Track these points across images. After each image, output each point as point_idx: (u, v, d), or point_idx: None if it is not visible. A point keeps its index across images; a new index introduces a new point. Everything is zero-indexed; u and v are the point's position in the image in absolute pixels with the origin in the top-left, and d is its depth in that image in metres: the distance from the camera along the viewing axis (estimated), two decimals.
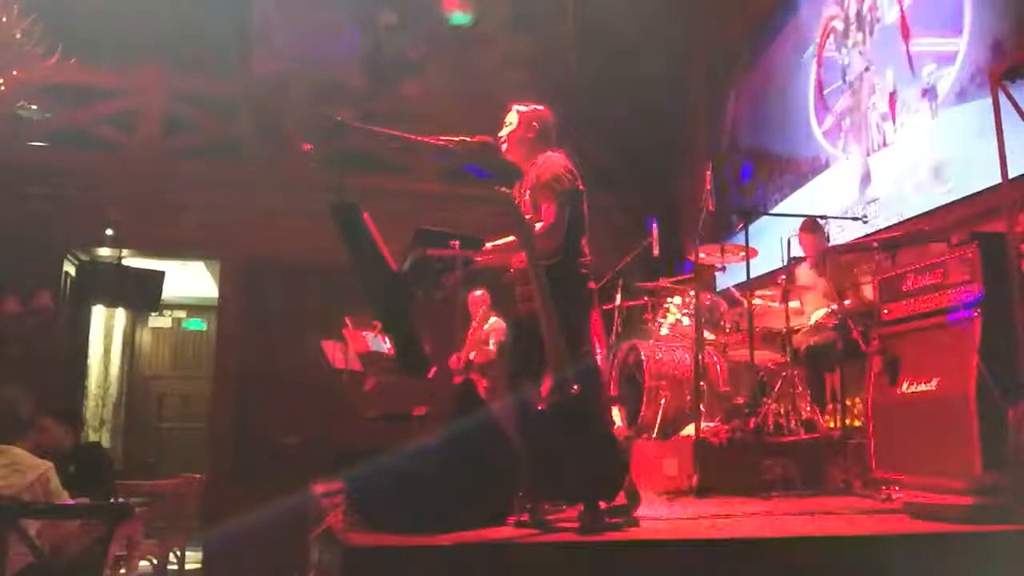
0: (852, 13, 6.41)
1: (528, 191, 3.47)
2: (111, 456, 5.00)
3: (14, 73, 6.35)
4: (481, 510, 2.65)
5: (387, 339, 5.47)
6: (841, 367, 4.42)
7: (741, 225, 5.04)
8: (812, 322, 5.13)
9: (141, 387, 10.48)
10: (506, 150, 3.61)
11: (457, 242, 3.29)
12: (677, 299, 5.52)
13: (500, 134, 3.61)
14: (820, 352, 5.03)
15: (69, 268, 8.30)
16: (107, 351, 9.61)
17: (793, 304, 5.15)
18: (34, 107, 7.31)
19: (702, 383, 4.70)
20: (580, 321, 3.28)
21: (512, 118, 3.60)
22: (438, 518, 2.48)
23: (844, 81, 6.47)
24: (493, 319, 6.33)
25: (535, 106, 3.65)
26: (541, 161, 3.49)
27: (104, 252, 8.48)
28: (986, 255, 3.15)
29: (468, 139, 3.61)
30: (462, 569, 2.24)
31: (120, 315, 9.93)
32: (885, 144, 5.94)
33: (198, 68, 8.77)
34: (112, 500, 4.33)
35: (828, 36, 6.73)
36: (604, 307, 5.74)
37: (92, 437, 8.45)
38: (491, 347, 6.21)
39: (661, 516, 3.17)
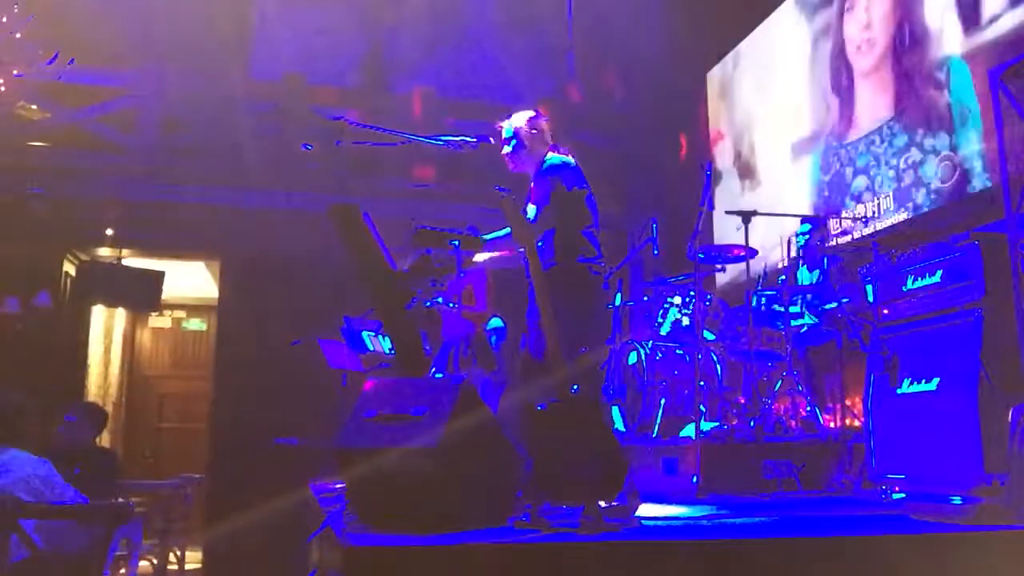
0: None
1: (529, 196, 3.51)
2: (120, 464, 5.00)
3: (14, 73, 6.35)
4: (481, 510, 2.65)
5: (387, 339, 5.47)
6: (841, 367, 4.42)
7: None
8: (812, 322, 5.14)
9: (141, 387, 10.48)
10: (513, 168, 3.64)
11: (457, 241, 3.30)
12: (677, 299, 5.52)
13: (503, 152, 3.63)
14: (820, 352, 5.04)
15: (69, 268, 8.30)
16: (107, 351, 9.61)
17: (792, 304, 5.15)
18: (34, 107, 7.31)
19: (702, 383, 4.71)
20: (580, 321, 3.29)
21: (508, 133, 3.62)
22: (438, 518, 2.48)
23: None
24: (494, 319, 6.33)
25: (524, 115, 3.66)
26: (544, 165, 3.52)
27: (104, 252, 8.47)
28: (986, 255, 3.15)
29: (468, 139, 3.62)
30: (462, 569, 2.24)
31: (120, 315, 9.93)
32: None
33: (198, 68, 8.76)
34: (112, 500, 4.32)
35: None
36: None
37: None
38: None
39: (661, 516, 3.17)
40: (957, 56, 5.31)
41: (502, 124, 3.66)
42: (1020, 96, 3.31)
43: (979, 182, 5.06)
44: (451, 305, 5.10)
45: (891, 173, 5.83)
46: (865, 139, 6.17)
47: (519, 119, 3.63)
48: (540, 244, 3.34)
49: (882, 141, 5.97)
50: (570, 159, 3.54)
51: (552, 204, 3.37)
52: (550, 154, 3.56)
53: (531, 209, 3.40)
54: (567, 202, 3.41)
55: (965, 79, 5.22)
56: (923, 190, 5.52)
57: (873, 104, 6.13)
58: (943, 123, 5.39)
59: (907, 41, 5.75)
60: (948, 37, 5.40)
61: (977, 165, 5.08)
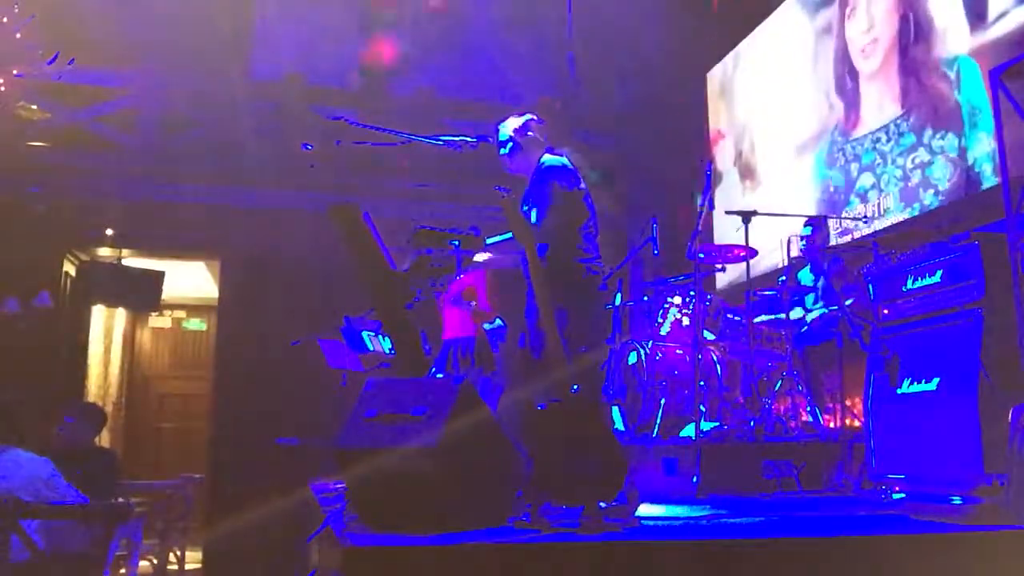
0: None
1: (528, 198, 3.53)
2: (120, 464, 5.01)
3: (14, 73, 6.35)
4: (481, 510, 2.65)
5: (387, 339, 5.48)
6: (841, 367, 4.42)
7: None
8: (811, 322, 5.14)
9: (141, 387, 10.48)
10: (509, 169, 3.68)
11: (457, 241, 3.30)
12: (677, 299, 5.52)
13: (500, 154, 3.67)
14: (820, 352, 5.04)
15: (69, 268, 8.30)
16: (107, 351, 9.61)
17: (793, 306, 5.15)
18: (34, 107, 7.31)
19: (702, 383, 4.70)
20: (581, 320, 3.29)
21: (505, 135, 3.66)
22: (438, 518, 2.48)
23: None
24: (495, 319, 6.33)
25: (522, 116, 3.71)
26: (541, 167, 3.55)
27: (104, 252, 8.47)
28: (986, 255, 3.15)
29: (468, 139, 3.64)
30: (462, 569, 2.24)
31: (120, 315, 9.93)
32: None
33: (198, 68, 8.76)
34: (112, 500, 4.32)
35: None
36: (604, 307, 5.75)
37: None
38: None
39: (661, 516, 3.16)
40: (965, 54, 5.25)
41: (499, 127, 3.69)
42: (1020, 96, 3.31)
43: (989, 183, 4.99)
44: (472, 304, 5.13)
45: (898, 172, 5.79)
46: (871, 136, 6.13)
47: (515, 122, 3.68)
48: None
49: (888, 139, 5.93)
50: (566, 160, 3.57)
51: (551, 205, 3.39)
52: (546, 156, 3.59)
53: (532, 213, 3.41)
54: (565, 203, 3.43)
55: (975, 78, 5.16)
56: (931, 191, 5.48)
57: (880, 104, 6.07)
58: (952, 123, 5.32)
59: (912, 38, 5.71)
60: (954, 34, 5.36)
61: (987, 167, 5.00)
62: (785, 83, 7.31)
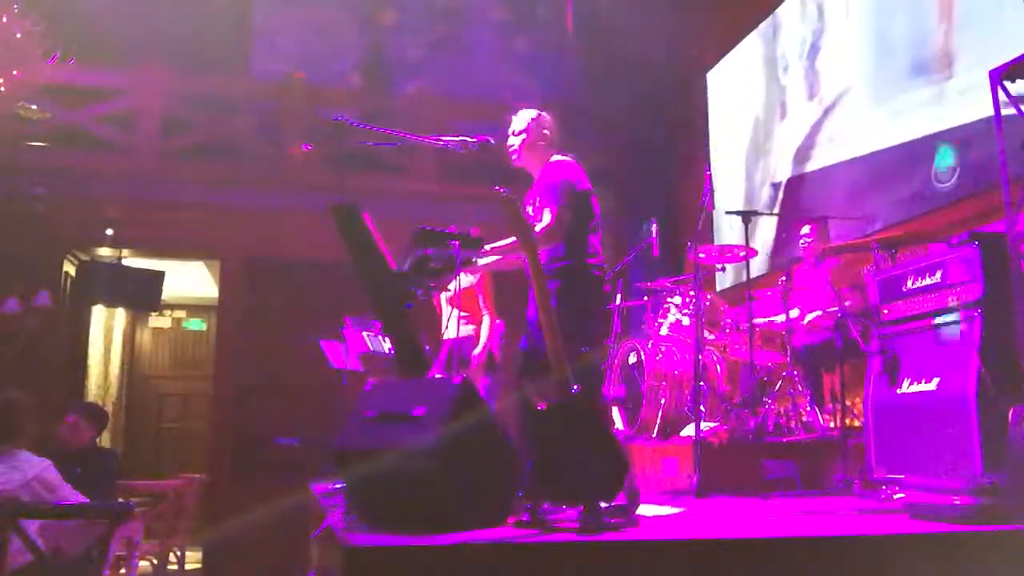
0: None
1: (537, 196, 3.51)
2: (121, 464, 5.02)
3: (14, 73, 6.35)
4: (481, 510, 2.65)
5: (387, 339, 5.47)
6: (841, 367, 4.41)
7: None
8: (811, 322, 5.14)
9: (141, 387, 10.49)
10: (517, 158, 3.65)
11: (457, 242, 3.29)
12: (677, 299, 5.52)
13: (511, 142, 3.64)
14: (820, 352, 5.03)
15: (69, 268, 8.31)
16: (107, 351, 9.62)
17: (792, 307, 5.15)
18: (34, 107, 7.31)
19: (702, 383, 4.70)
20: (583, 321, 3.29)
21: (521, 124, 3.62)
22: (438, 518, 2.48)
23: None
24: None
25: (537, 111, 3.68)
26: (552, 165, 3.52)
27: (104, 252, 8.48)
28: (986, 255, 3.15)
29: (468, 139, 3.63)
30: (462, 569, 2.24)
31: (120, 315, 9.94)
32: None
33: (198, 68, 8.77)
34: (112, 500, 4.33)
35: None
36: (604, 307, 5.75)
37: None
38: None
39: (661, 516, 3.16)
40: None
41: (515, 116, 3.66)
42: (1019, 95, 3.31)
43: (983, 182, 5.00)
44: (463, 315, 5.13)
45: (895, 172, 5.79)
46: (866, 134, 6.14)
47: (534, 113, 3.65)
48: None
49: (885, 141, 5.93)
50: (574, 161, 3.56)
51: (567, 205, 3.38)
52: (556, 155, 3.57)
53: (545, 212, 3.40)
54: (577, 203, 3.43)
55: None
56: (927, 191, 5.48)
57: (873, 108, 6.09)
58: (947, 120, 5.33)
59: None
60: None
61: (987, 167, 5.00)
62: (782, 84, 7.31)
